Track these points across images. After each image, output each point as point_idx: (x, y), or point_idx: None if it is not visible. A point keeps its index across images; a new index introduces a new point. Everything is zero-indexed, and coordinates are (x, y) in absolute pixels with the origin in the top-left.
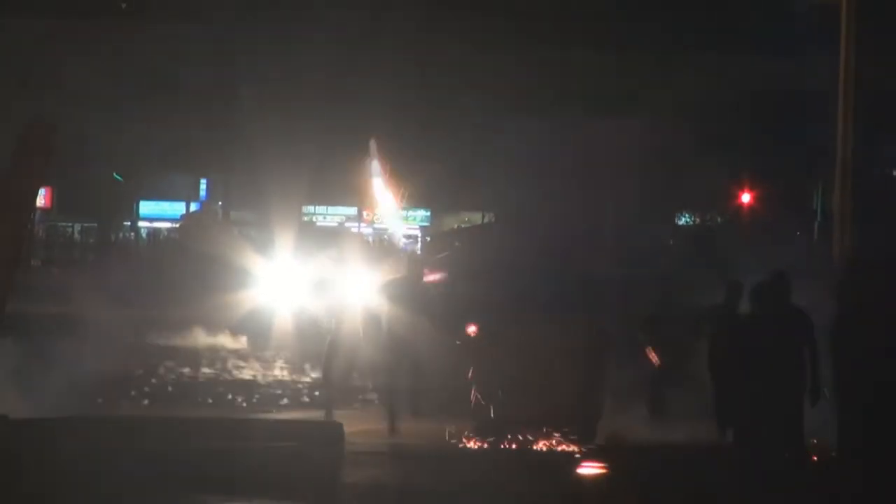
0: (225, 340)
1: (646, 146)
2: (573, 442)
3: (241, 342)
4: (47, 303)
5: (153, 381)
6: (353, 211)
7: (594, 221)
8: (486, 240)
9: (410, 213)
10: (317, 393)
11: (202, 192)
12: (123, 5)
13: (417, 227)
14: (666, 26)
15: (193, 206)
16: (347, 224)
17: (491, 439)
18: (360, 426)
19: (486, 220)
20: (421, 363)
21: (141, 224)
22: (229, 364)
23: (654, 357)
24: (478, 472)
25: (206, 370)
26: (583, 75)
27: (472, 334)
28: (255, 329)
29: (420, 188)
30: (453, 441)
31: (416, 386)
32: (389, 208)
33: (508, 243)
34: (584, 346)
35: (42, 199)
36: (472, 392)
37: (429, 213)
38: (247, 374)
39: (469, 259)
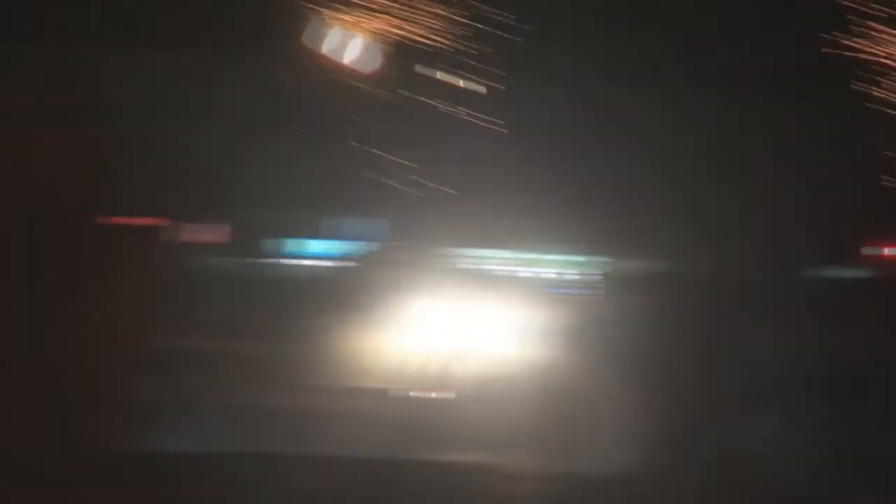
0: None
1: None
2: None
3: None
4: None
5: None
6: (517, 254)
7: None
8: (654, 287)
9: (575, 257)
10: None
11: (368, 233)
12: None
13: (585, 271)
14: None
15: (360, 246)
16: (511, 268)
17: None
18: None
19: (654, 267)
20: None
21: (304, 262)
22: None
23: None
24: None
25: None
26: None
27: None
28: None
29: (587, 233)
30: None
31: None
32: None
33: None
34: None
35: (215, 234)
36: None
37: (597, 258)
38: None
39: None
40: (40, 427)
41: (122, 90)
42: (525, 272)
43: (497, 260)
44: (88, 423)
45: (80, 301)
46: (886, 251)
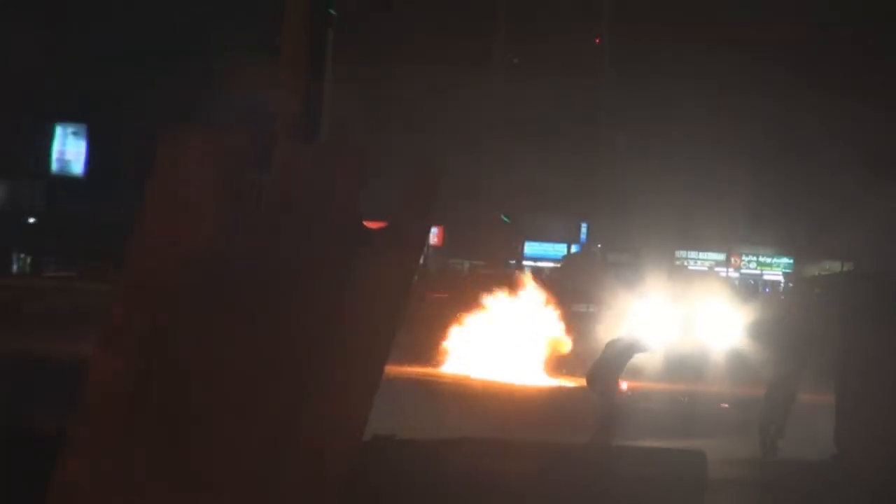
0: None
1: None
2: None
3: None
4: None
5: None
6: (721, 256)
7: None
8: (843, 287)
9: (775, 259)
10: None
11: (582, 235)
12: (515, 61)
13: (780, 272)
14: None
15: (574, 248)
16: (716, 269)
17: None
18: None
19: (844, 268)
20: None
21: (525, 262)
22: None
23: None
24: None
25: None
26: None
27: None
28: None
29: (785, 236)
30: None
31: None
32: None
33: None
34: None
35: (434, 237)
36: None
37: (792, 261)
38: None
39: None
40: None
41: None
42: (739, 273)
43: (715, 261)
44: None
45: None
46: None
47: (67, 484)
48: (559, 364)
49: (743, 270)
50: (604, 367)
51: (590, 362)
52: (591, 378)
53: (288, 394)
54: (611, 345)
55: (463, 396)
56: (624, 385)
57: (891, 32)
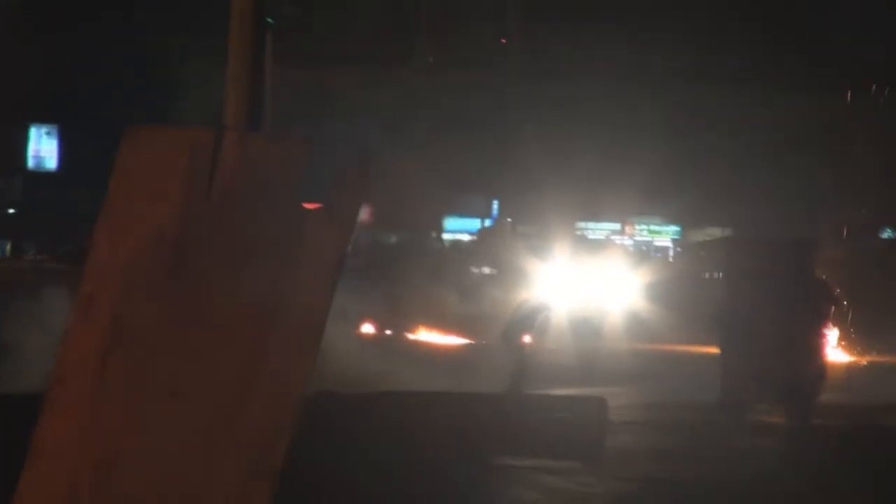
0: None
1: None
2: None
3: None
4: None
5: None
6: (617, 226)
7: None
8: (725, 250)
9: (664, 227)
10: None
11: (494, 210)
12: (431, 60)
13: (669, 239)
14: None
15: (487, 222)
16: (612, 237)
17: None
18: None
19: (725, 234)
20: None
21: (445, 236)
22: None
23: None
24: (717, 439)
25: None
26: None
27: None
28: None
29: (672, 207)
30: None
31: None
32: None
33: (743, 253)
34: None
35: (364, 214)
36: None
37: (679, 229)
38: None
39: (712, 265)
40: None
41: None
42: (629, 240)
43: (606, 231)
44: None
45: None
46: None
47: (46, 440)
48: (473, 324)
49: (636, 238)
50: (515, 325)
51: (499, 322)
52: (505, 335)
53: (242, 356)
54: (521, 305)
55: (387, 354)
56: (527, 338)
57: (768, 24)
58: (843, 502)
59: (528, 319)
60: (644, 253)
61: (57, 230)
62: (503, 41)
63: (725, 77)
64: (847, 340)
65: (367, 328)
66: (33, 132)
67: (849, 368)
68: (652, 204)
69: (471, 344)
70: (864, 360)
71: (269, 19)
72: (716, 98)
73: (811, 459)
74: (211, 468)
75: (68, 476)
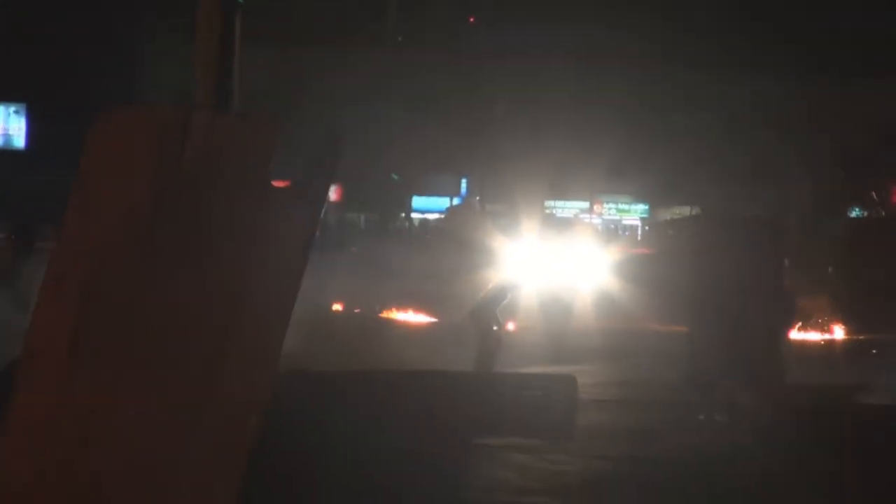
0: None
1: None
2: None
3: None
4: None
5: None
6: (585, 205)
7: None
8: (692, 228)
9: (632, 206)
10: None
11: (463, 189)
12: (400, 39)
13: (637, 218)
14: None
15: (456, 201)
16: (581, 216)
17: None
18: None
19: (692, 212)
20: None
21: (413, 215)
22: None
23: None
24: (687, 417)
25: None
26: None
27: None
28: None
29: (641, 186)
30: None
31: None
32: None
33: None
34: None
35: (333, 194)
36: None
37: (647, 207)
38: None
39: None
40: None
41: None
42: (597, 218)
43: (574, 209)
44: None
45: None
46: None
47: (17, 417)
48: (442, 303)
49: (605, 216)
50: (484, 305)
51: (467, 301)
52: (473, 314)
53: (212, 333)
54: (490, 285)
55: (357, 332)
56: (496, 317)
57: (737, 3)
58: (818, 480)
59: (497, 298)
60: (612, 231)
61: (26, 207)
62: (471, 20)
63: (695, 56)
64: (828, 318)
65: (337, 306)
66: (1, 110)
67: (826, 347)
68: (620, 183)
69: (440, 323)
70: (844, 339)
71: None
72: (685, 77)
73: (782, 437)
74: (181, 445)
75: (39, 452)
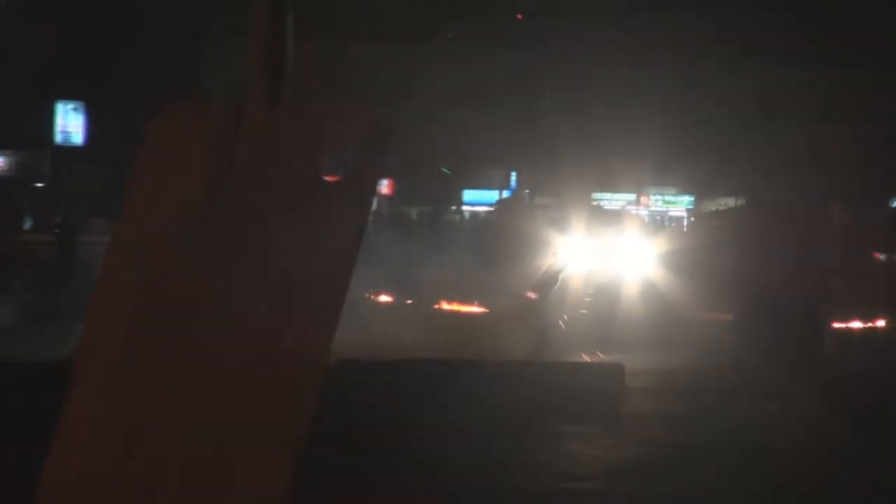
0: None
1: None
2: None
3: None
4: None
5: None
6: (632, 197)
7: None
8: (737, 218)
9: (678, 197)
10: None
11: (512, 182)
12: (449, 35)
13: (683, 209)
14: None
15: (505, 194)
16: (628, 207)
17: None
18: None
19: (737, 203)
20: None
21: (464, 208)
22: None
23: None
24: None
25: None
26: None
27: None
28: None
29: (686, 178)
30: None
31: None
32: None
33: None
34: None
35: (385, 187)
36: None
37: (692, 199)
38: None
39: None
40: None
41: None
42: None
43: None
44: None
45: None
46: None
47: (74, 411)
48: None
49: (651, 208)
50: (539, 287)
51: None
52: (532, 287)
53: (265, 326)
54: (542, 272)
55: (408, 322)
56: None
57: None
58: (864, 466)
59: (549, 284)
60: (658, 222)
61: (84, 202)
62: (520, 17)
63: (738, 46)
64: (871, 306)
65: (388, 297)
66: (60, 108)
67: (869, 334)
68: (667, 174)
69: (490, 312)
70: (886, 326)
71: None
72: (728, 70)
73: (828, 424)
74: (235, 436)
75: (96, 446)
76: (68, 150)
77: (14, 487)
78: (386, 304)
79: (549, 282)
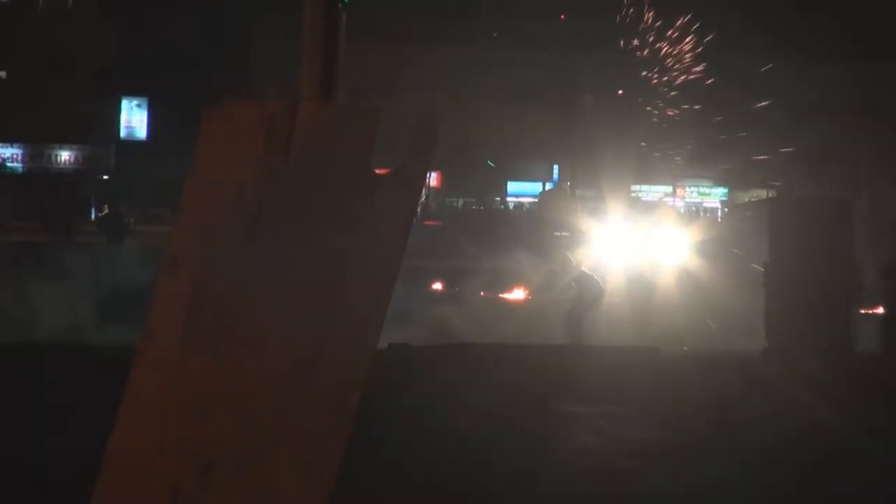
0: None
1: None
2: None
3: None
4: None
5: None
6: (669, 188)
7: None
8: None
9: (713, 189)
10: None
11: (555, 175)
12: (494, 34)
13: (717, 201)
14: None
15: (548, 186)
16: (665, 199)
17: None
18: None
19: (768, 195)
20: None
21: (508, 199)
22: None
23: None
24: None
25: None
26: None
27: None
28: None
29: (720, 170)
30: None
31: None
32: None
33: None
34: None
35: (434, 180)
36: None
37: (727, 190)
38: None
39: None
40: None
41: None
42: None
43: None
44: None
45: None
46: None
47: (137, 392)
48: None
49: (687, 199)
50: (583, 276)
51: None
52: (577, 281)
53: (316, 311)
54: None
55: (467, 309)
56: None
57: None
58: (890, 448)
59: (588, 299)
60: (694, 213)
61: (147, 194)
62: (562, 17)
63: (771, 43)
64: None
65: (437, 285)
66: (125, 104)
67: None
68: (702, 167)
69: (533, 299)
70: None
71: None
72: (760, 63)
73: (855, 407)
74: (288, 416)
75: (158, 425)
76: (132, 144)
77: (81, 462)
78: (437, 290)
79: (563, 274)
